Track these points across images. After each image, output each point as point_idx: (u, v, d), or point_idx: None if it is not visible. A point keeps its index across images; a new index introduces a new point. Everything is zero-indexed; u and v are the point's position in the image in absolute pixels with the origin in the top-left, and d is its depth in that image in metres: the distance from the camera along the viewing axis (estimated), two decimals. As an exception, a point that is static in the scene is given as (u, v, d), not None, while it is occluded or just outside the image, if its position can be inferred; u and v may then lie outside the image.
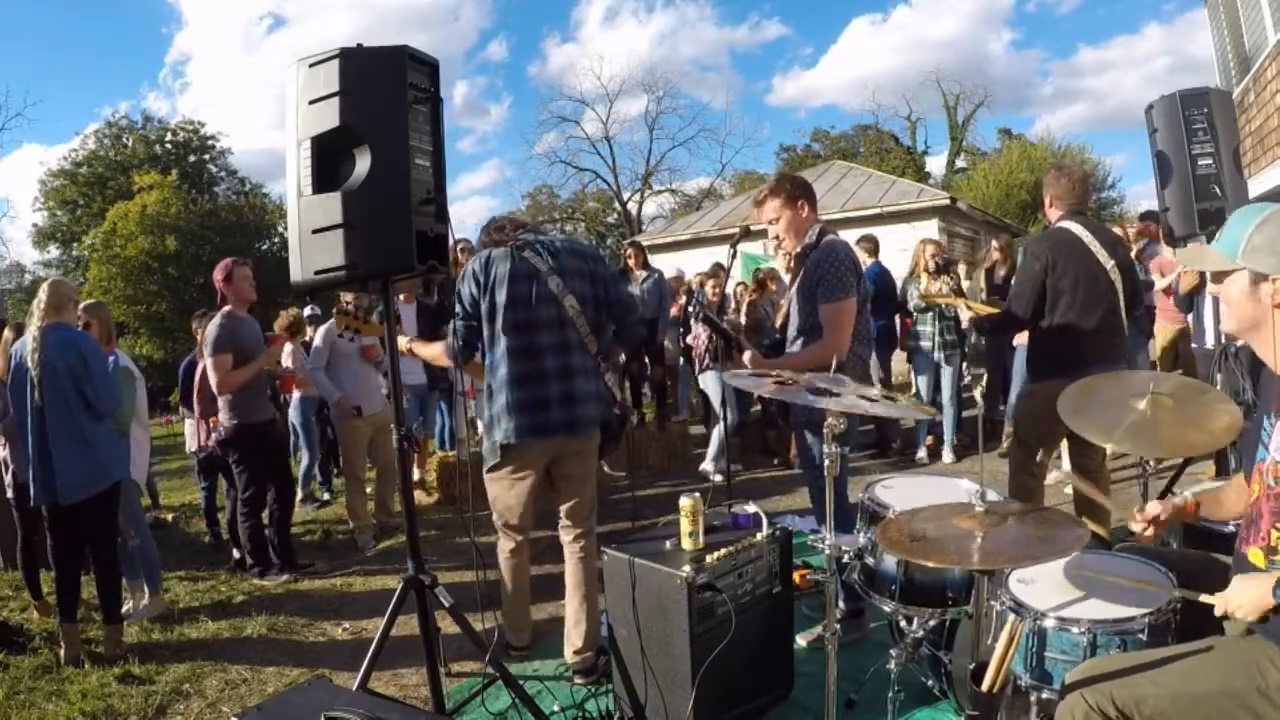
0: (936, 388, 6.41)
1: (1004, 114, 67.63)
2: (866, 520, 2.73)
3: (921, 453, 6.56)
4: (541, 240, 3.08)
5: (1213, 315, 4.15)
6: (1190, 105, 3.71)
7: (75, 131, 37.41)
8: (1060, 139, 33.84)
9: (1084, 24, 49.26)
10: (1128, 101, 45.70)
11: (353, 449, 5.41)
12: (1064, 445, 3.41)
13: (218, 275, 4.53)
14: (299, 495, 5.99)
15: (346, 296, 5.04)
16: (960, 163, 34.46)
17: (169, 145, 28.86)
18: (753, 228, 3.65)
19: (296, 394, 5.99)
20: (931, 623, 2.48)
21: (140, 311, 23.09)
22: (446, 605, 2.51)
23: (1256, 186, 6.84)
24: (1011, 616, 1.90)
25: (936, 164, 35.00)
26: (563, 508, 3.19)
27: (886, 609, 2.54)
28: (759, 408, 7.21)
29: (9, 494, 4.28)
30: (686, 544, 2.57)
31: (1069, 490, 4.74)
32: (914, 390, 6.78)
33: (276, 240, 26.34)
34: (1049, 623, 1.90)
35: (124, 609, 4.06)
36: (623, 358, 3.56)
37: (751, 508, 2.80)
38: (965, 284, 6.72)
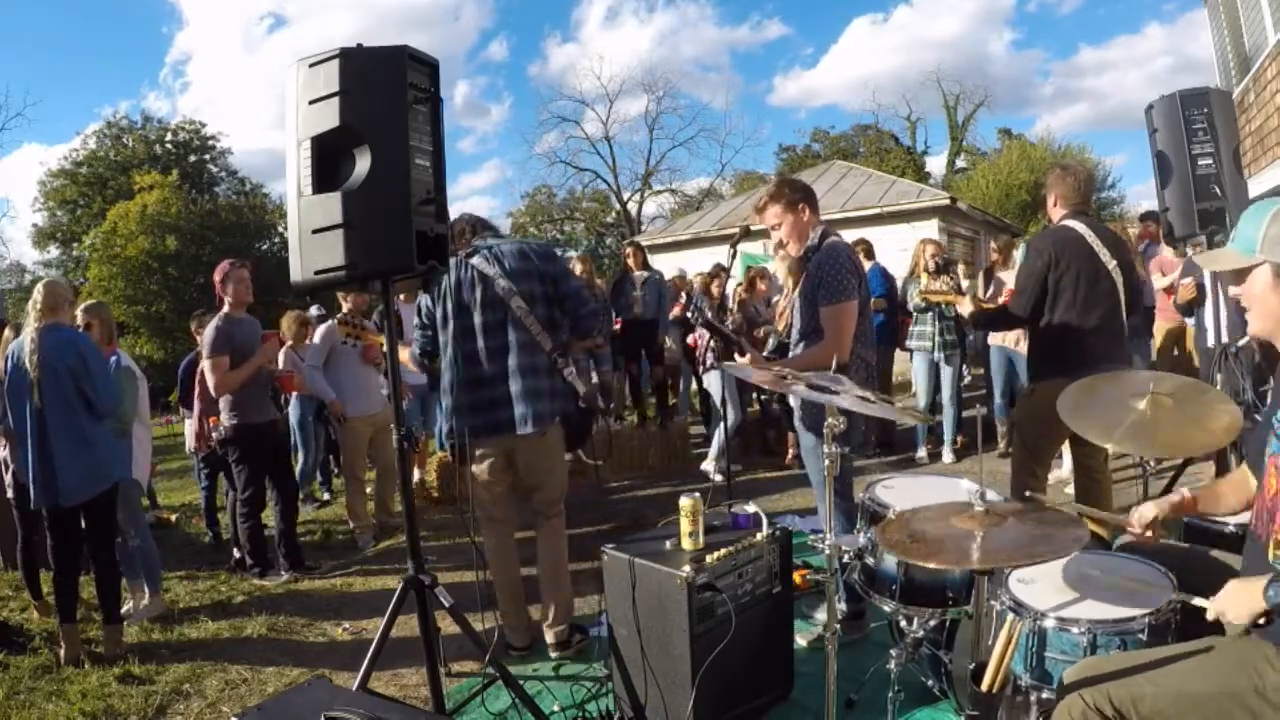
0: (937, 388, 6.41)
1: (1004, 114, 67.67)
2: (867, 520, 2.74)
3: (921, 452, 6.56)
4: (489, 246, 3.21)
5: (1213, 315, 4.14)
6: (1190, 105, 3.71)
7: (75, 131, 37.53)
8: (1060, 139, 33.93)
9: (1085, 24, 49.29)
10: (1128, 101, 45.75)
11: (353, 449, 5.42)
12: (1065, 445, 3.41)
13: (216, 277, 4.56)
14: (299, 495, 5.99)
15: (345, 298, 5.05)
16: (960, 163, 34.48)
17: (169, 145, 28.86)
18: (753, 228, 3.65)
19: (294, 394, 6.00)
20: (931, 623, 2.48)
21: (140, 311, 23.09)
22: (446, 605, 2.52)
23: (1256, 186, 6.84)
24: (1011, 616, 1.90)
25: (936, 164, 35.07)
26: (533, 499, 3.37)
27: (886, 609, 2.55)
28: (756, 408, 7.22)
29: (9, 494, 4.27)
30: (686, 544, 2.57)
31: (1070, 490, 4.75)
32: (914, 390, 6.78)
33: (276, 240, 26.35)
34: (1049, 623, 1.90)
35: (124, 609, 4.06)
36: (615, 357, 3.62)
37: (751, 508, 2.80)
38: (964, 284, 6.71)
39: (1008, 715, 1.91)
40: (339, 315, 4.93)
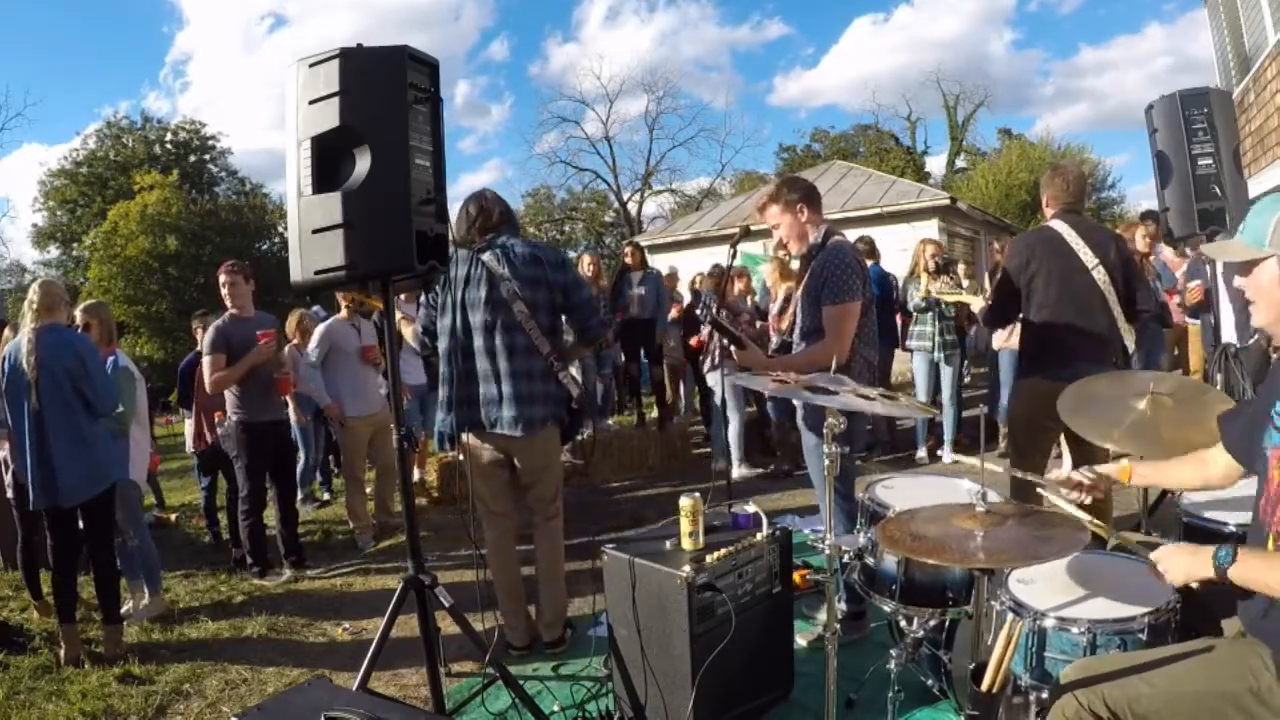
0: (937, 387, 6.41)
1: (1005, 114, 67.69)
2: (867, 520, 2.74)
3: (921, 452, 6.56)
4: (503, 245, 3.17)
5: (1222, 316, 4.14)
6: (1190, 105, 3.71)
7: (75, 131, 37.46)
8: (1060, 139, 33.94)
9: (1085, 24, 49.33)
10: (1129, 101, 45.77)
11: (353, 450, 5.43)
12: (1065, 446, 3.40)
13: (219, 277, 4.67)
14: (299, 496, 5.99)
15: (344, 298, 5.06)
16: (960, 163, 34.47)
17: (169, 145, 28.85)
18: (753, 228, 3.65)
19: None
20: (931, 623, 2.48)
21: (140, 311, 23.10)
22: (446, 605, 2.52)
23: (1256, 186, 6.84)
24: (1010, 616, 1.90)
25: (936, 164, 35.04)
26: (528, 497, 3.39)
27: (886, 609, 2.54)
28: (754, 408, 7.22)
29: (9, 494, 4.28)
30: (686, 544, 2.57)
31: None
32: (914, 390, 6.78)
33: (277, 240, 26.34)
34: (1049, 623, 1.89)
35: (124, 609, 4.06)
36: (610, 355, 3.65)
37: (751, 508, 2.80)
38: (965, 284, 6.71)
39: (1007, 715, 1.90)
40: (347, 301, 5.02)
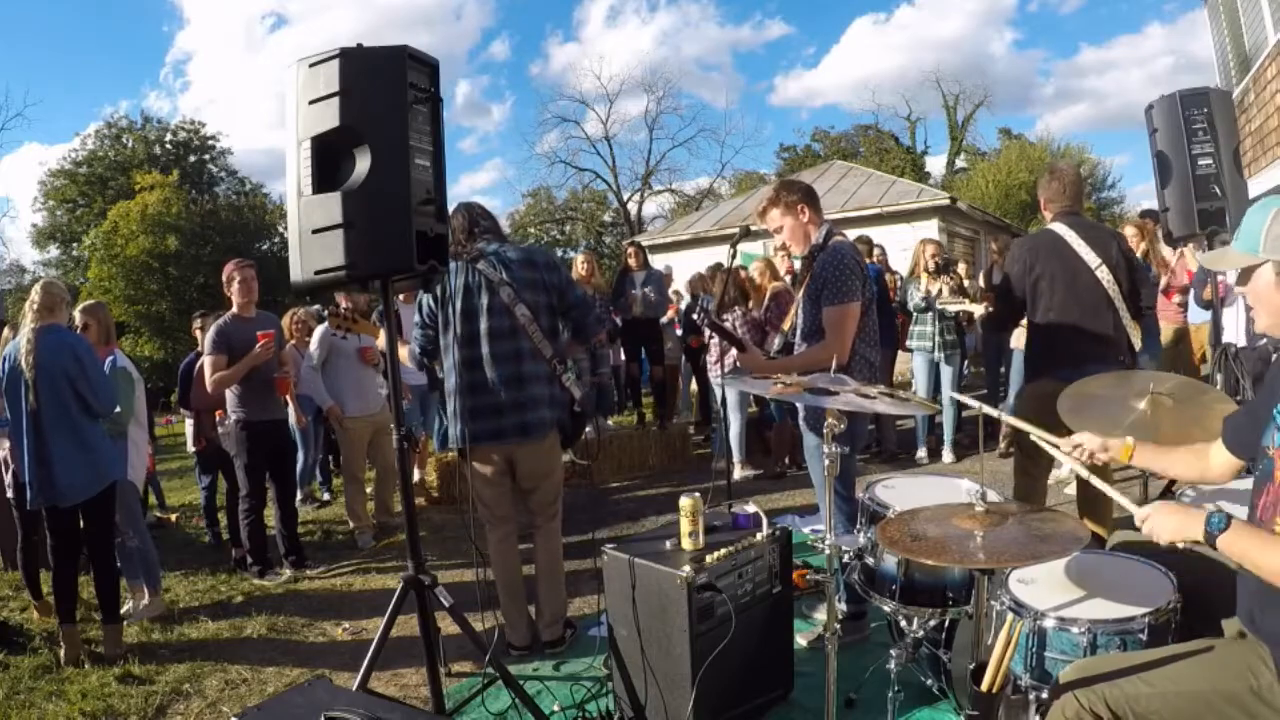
0: (937, 387, 6.41)
1: (1006, 114, 67.66)
2: (867, 520, 2.74)
3: (921, 452, 6.56)
4: (495, 251, 3.20)
5: (1233, 316, 4.15)
6: (1190, 105, 3.71)
7: (75, 131, 37.41)
8: (1061, 139, 33.95)
9: (1086, 24, 49.28)
10: (1129, 101, 45.77)
11: (352, 450, 5.43)
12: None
13: (223, 277, 4.66)
14: (298, 496, 5.99)
15: (342, 297, 5.04)
16: (960, 163, 34.45)
17: (169, 145, 28.82)
18: (753, 228, 3.65)
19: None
20: (931, 623, 2.48)
21: (140, 311, 23.07)
22: (446, 605, 2.52)
23: (1256, 186, 6.84)
24: (1010, 616, 1.90)
25: (936, 164, 35.02)
26: (529, 501, 3.41)
27: (886, 609, 2.55)
28: (754, 409, 7.22)
29: (9, 494, 4.28)
30: (686, 544, 2.57)
31: (1070, 491, 4.75)
32: (914, 390, 6.78)
33: (277, 240, 26.31)
34: (1049, 623, 1.90)
35: (124, 609, 4.06)
36: (612, 354, 3.65)
37: (751, 508, 2.80)
38: (965, 284, 6.71)
39: (1007, 715, 1.90)
40: (329, 309, 4.92)
